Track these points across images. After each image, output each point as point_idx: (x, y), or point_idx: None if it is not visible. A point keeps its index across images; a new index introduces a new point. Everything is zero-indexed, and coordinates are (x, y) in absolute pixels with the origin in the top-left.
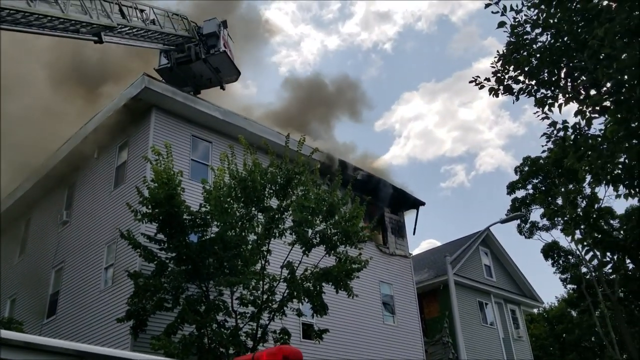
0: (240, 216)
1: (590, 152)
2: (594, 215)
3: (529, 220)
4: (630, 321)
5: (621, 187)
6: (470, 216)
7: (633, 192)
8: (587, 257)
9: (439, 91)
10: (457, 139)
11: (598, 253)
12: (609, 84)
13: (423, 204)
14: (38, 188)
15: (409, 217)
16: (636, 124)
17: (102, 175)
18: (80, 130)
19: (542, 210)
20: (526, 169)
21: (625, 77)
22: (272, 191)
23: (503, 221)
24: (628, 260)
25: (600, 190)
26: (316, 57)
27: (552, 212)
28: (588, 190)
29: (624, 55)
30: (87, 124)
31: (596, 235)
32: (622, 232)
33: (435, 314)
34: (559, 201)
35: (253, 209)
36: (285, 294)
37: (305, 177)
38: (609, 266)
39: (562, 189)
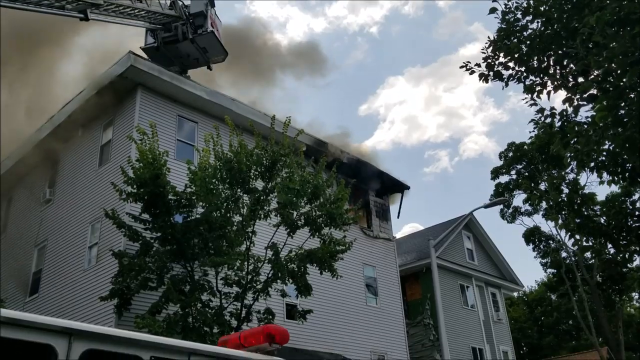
0: (226, 197)
1: (577, 139)
2: (578, 201)
3: (512, 206)
4: (607, 305)
5: (605, 174)
6: (453, 201)
7: (617, 178)
8: (570, 242)
9: (424, 76)
10: (441, 124)
11: (579, 239)
12: (597, 72)
13: (408, 187)
14: (20, 165)
15: (393, 200)
16: (623, 111)
17: (86, 154)
18: (64, 107)
19: (524, 195)
20: (510, 154)
21: (614, 65)
22: (257, 173)
23: (487, 206)
24: (609, 245)
25: (583, 177)
26: (302, 39)
27: (536, 197)
28: (571, 176)
29: (614, 43)
30: (71, 101)
31: (578, 220)
32: (603, 218)
33: (417, 297)
34: (542, 186)
35: (238, 190)
36: (269, 275)
37: (290, 159)
38: (590, 251)
39: (546, 175)
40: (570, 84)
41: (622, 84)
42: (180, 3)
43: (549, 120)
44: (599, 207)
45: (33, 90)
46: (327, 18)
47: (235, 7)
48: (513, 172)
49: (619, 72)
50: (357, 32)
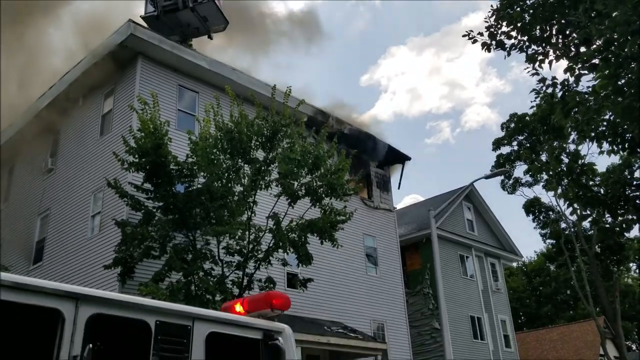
0: (227, 167)
1: (577, 108)
2: (577, 171)
3: (512, 177)
4: (605, 276)
5: (605, 144)
6: (454, 173)
7: (616, 148)
8: (568, 211)
9: (426, 46)
10: (443, 95)
11: (578, 208)
12: (599, 42)
13: (409, 158)
14: (22, 135)
15: (394, 171)
16: (624, 81)
17: (87, 123)
18: (64, 76)
19: (525, 166)
20: (512, 125)
21: (615, 34)
22: (258, 143)
23: (488, 176)
24: (607, 215)
25: (584, 148)
26: (303, 8)
27: (537, 168)
28: (572, 147)
29: (615, 12)
30: (72, 71)
31: (577, 190)
32: (602, 188)
33: (417, 266)
34: (544, 157)
35: (239, 160)
36: (270, 244)
37: (291, 129)
38: (589, 219)
39: (546, 146)
40: (572, 54)
41: (623, 52)
42: None
43: (550, 90)
44: (598, 178)
45: (26, 61)
46: None
47: None
48: (514, 143)
49: (620, 41)
50: (359, 1)
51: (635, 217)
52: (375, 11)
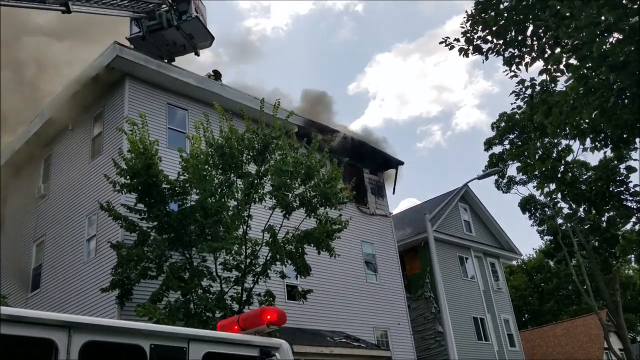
0: (220, 183)
1: (553, 109)
2: (561, 169)
3: (506, 175)
4: (604, 268)
5: (588, 140)
6: (449, 175)
7: (598, 145)
8: (557, 207)
9: (412, 51)
10: (432, 99)
11: (566, 205)
12: (569, 44)
13: (402, 163)
14: (11, 163)
15: (388, 177)
16: (595, 80)
17: (78, 147)
18: (52, 102)
19: (518, 165)
20: (502, 124)
21: (583, 35)
22: (249, 157)
23: (480, 177)
24: (594, 211)
25: (574, 145)
26: (288, 21)
27: (524, 167)
28: (564, 143)
29: (582, 14)
30: (59, 96)
31: (563, 188)
32: (586, 185)
33: (417, 270)
34: (537, 155)
35: (232, 175)
36: (268, 257)
37: (282, 141)
38: (578, 214)
39: (537, 143)
40: (546, 55)
41: (591, 54)
42: None
43: (529, 91)
44: (585, 174)
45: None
46: None
47: None
48: (506, 142)
49: (588, 42)
50: (342, 11)
51: (616, 214)
52: (359, 20)
